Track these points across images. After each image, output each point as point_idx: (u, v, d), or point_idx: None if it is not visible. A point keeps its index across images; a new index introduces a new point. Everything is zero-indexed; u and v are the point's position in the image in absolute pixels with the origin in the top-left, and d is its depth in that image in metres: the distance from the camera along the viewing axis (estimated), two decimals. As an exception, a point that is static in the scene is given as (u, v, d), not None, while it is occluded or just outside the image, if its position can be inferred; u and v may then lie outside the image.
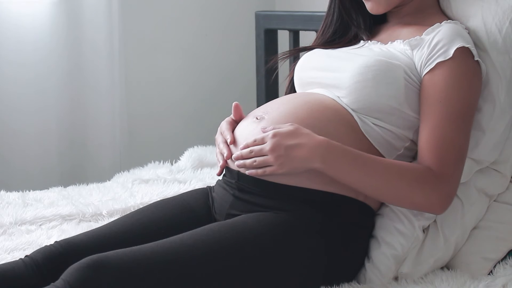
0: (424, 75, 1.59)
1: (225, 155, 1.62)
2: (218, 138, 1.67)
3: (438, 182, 1.51)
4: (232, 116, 1.71)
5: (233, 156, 1.58)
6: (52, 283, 1.36)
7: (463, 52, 1.57)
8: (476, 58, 1.59)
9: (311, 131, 1.52)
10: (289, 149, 1.50)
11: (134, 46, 3.07)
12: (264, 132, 1.55)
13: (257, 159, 1.53)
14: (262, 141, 1.53)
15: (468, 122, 1.57)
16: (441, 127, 1.54)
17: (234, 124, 1.69)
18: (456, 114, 1.55)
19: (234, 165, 1.60)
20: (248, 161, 1.54)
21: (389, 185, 1.52)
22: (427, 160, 1.54)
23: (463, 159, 1.56)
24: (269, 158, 1.51)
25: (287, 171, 1.51)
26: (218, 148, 1.66)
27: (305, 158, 1.50)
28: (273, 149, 1.51)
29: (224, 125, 1.69)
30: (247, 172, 1.55)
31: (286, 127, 1.53)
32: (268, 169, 1.52)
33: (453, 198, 1.55)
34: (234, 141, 1.63)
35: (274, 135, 1.51)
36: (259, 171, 1.53)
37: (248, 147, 1.55)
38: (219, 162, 1.64)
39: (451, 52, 1.56)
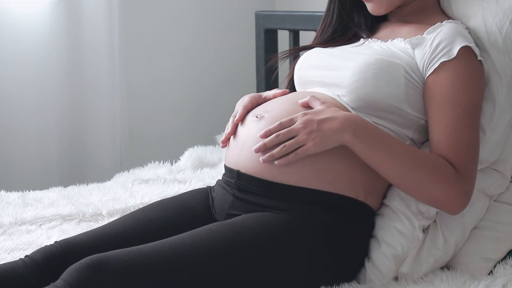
0: (429, 75, 1.58)
1: (227, 131, 1.62)
2: (237, 106, 1.68)
3: (458, 179, 1.51)
4: (271, 94, 1.70)
5: (253, 149, 1.54)
6: (52, 283, 1.36)
7: (466, 51, 1.57)
8: (479, 58, 1.59)
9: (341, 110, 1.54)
10: (321, 123, 1.50)
11: (134, 46, 3.07)
12: (302, 104, 1.56)
13: (287, 143, 1.51)
14: (290, 122, 1.52)
15: (477, 120, 1.57)
16: (453, 127, 1.54)
17: (257, 104, 1.68)
18: (465, 114, 1.55)
19: (234, 164, 1.60)
20: (276, 150, 1.51)
21: (413, 171, 1.51)
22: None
23: (477, 157, 1.56)
24: (301, 136, 1.50)
25: (320, 146, 1.50)
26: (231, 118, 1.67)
27: (337, 130, 1.49)
28: (306, 125, 1.50)
29: (245, 100, 1.68)
30: (276, 163, 1.52)
31: (317, 106, 1.54)
32: (300, 150, 1.50)
33: (470, 197, 1.54)
34: (241, 122, 1.63)
35: (305, 114, 1.52)
36: (290, 156, 1.51)
37: (272, 132, 1.53)
38: (227, 128, 1.64)
39: (455, 52, 1.56)
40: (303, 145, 1.50)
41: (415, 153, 1.53)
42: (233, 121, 1.66)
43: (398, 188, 1.57)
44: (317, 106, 1.55)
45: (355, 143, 1.50)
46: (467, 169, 1.53)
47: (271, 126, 1.53)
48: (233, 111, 1.71)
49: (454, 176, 1.51)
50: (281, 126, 1.52)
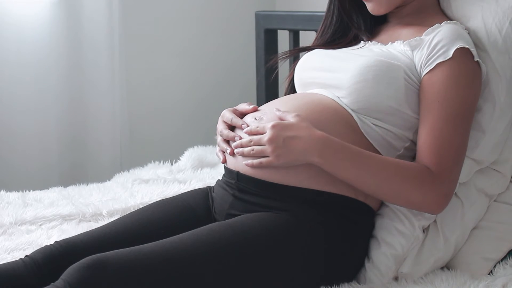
0: (424, 75, 1.59)
1: (227, 150, 1.60)
2: (220, 126, 1.66)
3: (435, 181, 1.51)
4: (240, 108, 1.68)
5: (233, 144, 1.58)
6: (52, 283, 1.36)
7: (462, 52, 1.57)
8: (476, 59, 1.59)
9: (311, 125, 1.52)
10: (287, 141, 1.50)
11: (134, 45, 3.07)
12: (277, 112, 1.56)
13: (255, 148, 1.53)
14: (263, 130, 1.53)
15: (467, 122, 1.57)
16: (439, 127, 1.54)
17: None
18: (454, 114, 1.54)
19: (234, 165, 1.61)
20: (246, 149, 1.55)
21: (387, 183, 1.51)
22: (425, 160, 1.54)
23: (461, 160, 1.56)
24: (266, 148, 1.51)
25: (283, 163, 1.51)
26: (224, 136, 1.63)
27: (302, 151, 1.50)
28: (271, 139, 1.51)
29: (227, 114, 1.67)
30: (244, 163, 1.55)
31: (289, 119, 1.53)
32: (264, 160, 1.52)
33: (450, 198, 1.55)
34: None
35: (274, 126, 1.52)
36: (255, 162, 1.53)
37: (252, 132, 1.55)
38: (226, 149, 1.62)
39: (450, 53, 1.56)
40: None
41: (387, 164, 1.52)
42: (222, 139, 1.64)
43: (377, 198, 1.58)
44: (290, 119, 1.54)
45: (322, 164, 1.51)
46: (446, 171, 1.53)
47: (253, 126, 1.56)
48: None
49: (430, 179, 1.51)
50: (257, 131, 1.54)
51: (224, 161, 1.64)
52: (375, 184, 1.52)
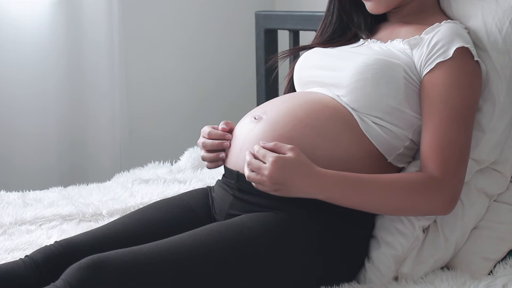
0: (424, 75, 1.59)
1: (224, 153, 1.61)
2: (201, 140, 1.66)
3: (440, 185, 1.51)
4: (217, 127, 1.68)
5: (246, 153, 1.53)
6: (52, 283, 1.36)
7: (462, 52, 1.57)
8: (476, 58, 1.59)
9: (308, 160, 1.50)
10: (287, 179, 1.48)
11: (134, 46, 3.07)
12: (269, 144, 1.51)
13: (252, 175, 1.50)
14: (263, 158, 1.49)
15: (470, 122, 1.57)
16: (443, 128, 1.54)
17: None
18: (457, 115, 1.54)
19: (233, 165, 1.60)
20: (246, 170, 1.51)
21: (392, 201, 1.52)
22: (429, 163, 1.53)
23: (465, 160, 1.56)
24: (266, 181, 1.48)
25: (282, 195, 1.50)
26: (208, 147, 1.63)
27: (302, 189, 1.49)
28: (271, 176, 1.47)
29: (206, 128, 1.66)
30: (245, 174, 1.53)
31: (288, 154, 1.48)
32: (260, 187, 1.50)
33: (458, 198, 1.55)
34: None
35: (275, 162, 1.47)
36: (254, 184, 1.51)
37: (252, 155, 1.51)
38: (219, 154, 1.62)
39: (450, 52, 1.56)
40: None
41: (389, 183, 1.52)
42: (206, 151, 1.65)
43: (386, 215, 1.59)
44: (287, 152, 1.49)
45: (325, 198, 1.50)
46: (452, 172, 1.52)
47: (255, 149, 1.51)
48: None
49: (435, 185, 1.51)
50: (256, 155, 1.50)
51: (223, 163, 1.64)
52: (380, 205, 1.53)
